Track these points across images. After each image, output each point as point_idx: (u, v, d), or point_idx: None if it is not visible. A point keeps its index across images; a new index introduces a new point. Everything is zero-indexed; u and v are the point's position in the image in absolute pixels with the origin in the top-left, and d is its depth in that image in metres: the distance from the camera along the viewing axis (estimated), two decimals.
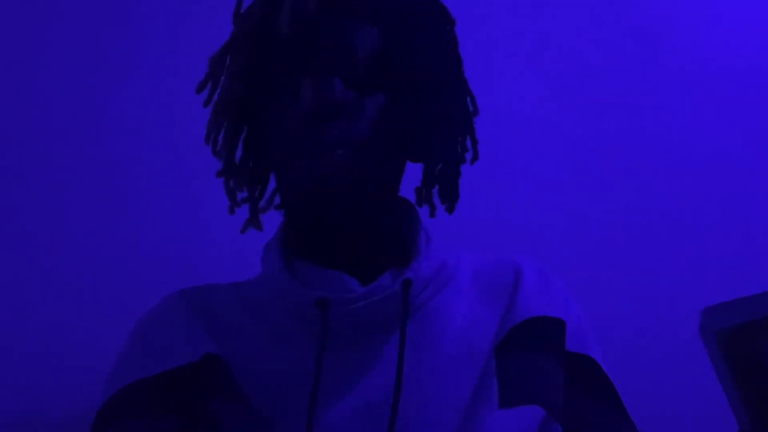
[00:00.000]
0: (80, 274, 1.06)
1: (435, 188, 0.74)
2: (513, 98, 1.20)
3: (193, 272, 1.02)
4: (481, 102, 0.73)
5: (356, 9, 0.63)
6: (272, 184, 0.75)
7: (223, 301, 0.69)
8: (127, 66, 1.15)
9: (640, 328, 1.08)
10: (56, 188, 1.09)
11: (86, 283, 1.05)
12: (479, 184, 0.76)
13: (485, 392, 0.61)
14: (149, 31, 1.17)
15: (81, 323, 1.02)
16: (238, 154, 0.72)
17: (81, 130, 1.12)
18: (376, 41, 0.62)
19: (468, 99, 0.72)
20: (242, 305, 0.68)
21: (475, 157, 0.73)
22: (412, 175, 0.73)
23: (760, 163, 1.19)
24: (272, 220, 0.73)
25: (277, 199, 0.75)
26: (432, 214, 0.74)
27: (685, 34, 1.25)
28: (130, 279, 1.05)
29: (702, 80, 1.23)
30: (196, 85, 0.69)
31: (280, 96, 0.63)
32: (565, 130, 1.20)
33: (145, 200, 1.10)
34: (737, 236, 1.15)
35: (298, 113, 0.61)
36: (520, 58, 1.23)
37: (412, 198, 0.74)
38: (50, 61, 1.14)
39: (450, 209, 0.74)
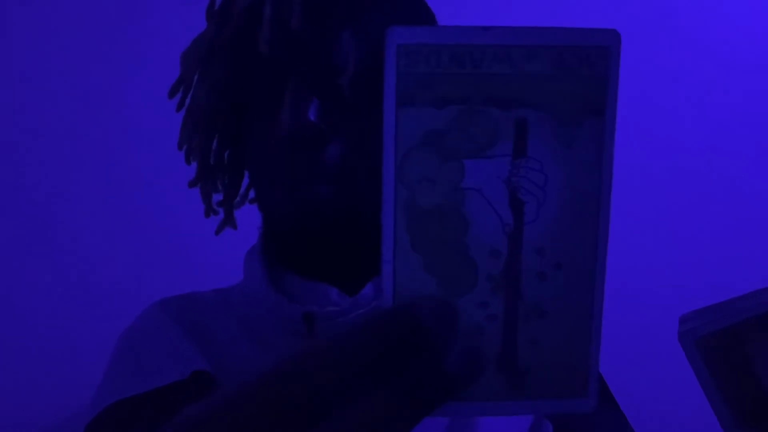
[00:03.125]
0: (77, 275, 1.05)
1: None
2: None
3: (190, 271, 1.01)
4: None
5: (341, 23, 0.59)
6: (246, 180, 0.73)
7: (209, 312, 0.68)
8: (124, 67, 1.15)
9: (635, 328, 1.09)
10: (52, 189, 1.09)
11: (83, 285, 1.05)
12: None
13: None
14: (145, 30, 1.17)
15: (78, 325, 1.02)
16: (212, 158, 0.69)
17: (79, 131, 1.12)
18: (363, 59, 0.58)
19: None
20: (229, 316, 0.67)
21: None
22: None
23: (757, 167, 1.19)
24: (252, 222, 0.72)
25: (252, 194, 0.73)
26: None
27: (685, 33, 1.25)
28: (126, 281, 1.04)
29: (702, 81, 1.23)
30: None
31: (259, 113, 0.61)
32: None
33: (142, 201, 1.10)
34: (737, 237, 1.15)
35: (276, 138, 0.58)
36: None
37: None
38: (49, 60, 1.13)
39: None
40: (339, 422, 0.22)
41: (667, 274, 1.14)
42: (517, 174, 0.28)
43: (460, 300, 0.28)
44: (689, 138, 1.21)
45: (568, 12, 1.24)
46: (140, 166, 1.12)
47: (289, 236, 0.64)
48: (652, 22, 1.25)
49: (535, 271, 0.28)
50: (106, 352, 0.68)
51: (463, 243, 0.28)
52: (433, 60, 0.27)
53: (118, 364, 0.65)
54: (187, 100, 0.67)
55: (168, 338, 0.65)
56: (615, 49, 0.27)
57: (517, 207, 0.28)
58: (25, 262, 1.06)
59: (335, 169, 0.57)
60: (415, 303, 0.24)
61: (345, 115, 0.58)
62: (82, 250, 1.07)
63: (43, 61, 1.14)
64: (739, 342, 0.38)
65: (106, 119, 1.13)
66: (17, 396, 0.99)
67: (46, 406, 0.99)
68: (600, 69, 0.27)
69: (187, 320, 0.67)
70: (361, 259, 0.66)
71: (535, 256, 0.28)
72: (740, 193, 1.18)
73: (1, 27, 1.13)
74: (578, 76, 0.27)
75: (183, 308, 0.68)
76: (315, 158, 0.57)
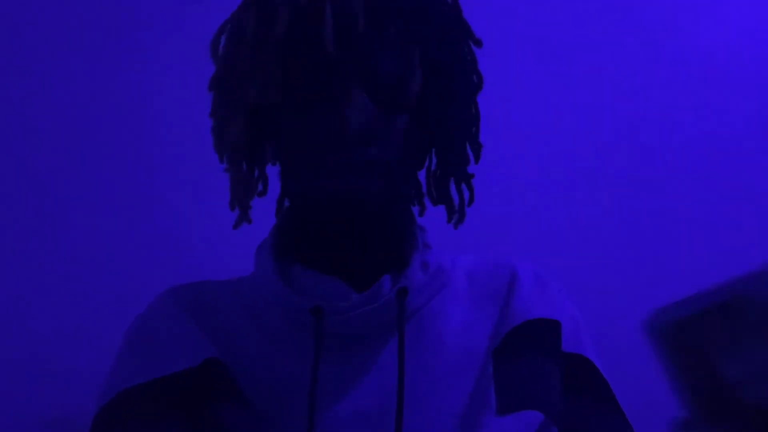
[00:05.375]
0: (78, 273, 1.07)
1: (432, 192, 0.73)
2: (514, 101, 1.20)
3: (190, 270, 1.02)
4: (485, 104, 0.72)
5: (398, 28, 0.60)
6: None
7: (218, 301, 0.68)
8: (123, 67, 1.16)
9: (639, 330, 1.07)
10: (54, 188, 1.11)
11: (84, 282, 1.06)
12: (479, 186, 0.76)
13: (483, 397, 0.61)
14: (146, 28, 1.18)
15: (79, 323, 1.03)
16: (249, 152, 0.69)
17: (79, 130, 1.13)
18: (419, 65, 0.60)
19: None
20: (239, 306, 0.67)
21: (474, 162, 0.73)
22: None
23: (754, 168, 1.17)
24: (266, 219, 0.73)
25: (260, 186, 0.72)
26: (421, 214, 0.74)
27: (688, 34, 1.24)
28: (128, 277, 1.06)
29: (705, 82, 1.22)
30: (190, 84, 0.68)
31: (314, 108, 0.61)
32: (565, 133, 1.20)
33: (144, 199, 1.11)
34: (743, 240, 1.13)
35: (333, 133, 0.59)
36: (521, 59, 1.23)
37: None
38: (49, 60, 1.15)
39: (459, 218, 0.72)
40: None
41: (669, 274, 1.12)
42: None
43: None
44: (686, 137, 1.20)
45: (568, 13, 1.25)
46: (148, 162, 1.12)
47: (320, 227, 0.64)
48: (651, 23, 1.25)
49: None
50: (112, 347, 0.68)
51: None
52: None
53: (130, 352, 0.66)
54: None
55: (179, 326, 0.65)
56: None
57: None
58: (27, 261, 1.07)
59: (385, 166, 0.59)
60: None
61: (392, 113, 0.60)
62: (88, 246, 1.09)
63: (44, 60, 1.14)
64: (699, 330, 0.39)
65: (118, 114, 1.14)
66: (17, 394, 1.00)
67: (48, 403, 1.00)
68: None
69: (197, 309, 0.66)
70: (373, 253, 0.66)
71: None
72: (741, 194, 1.16)
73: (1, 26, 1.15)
74: None
75: (193, 296, 0.69)
76: (368, 156, 0.59)
